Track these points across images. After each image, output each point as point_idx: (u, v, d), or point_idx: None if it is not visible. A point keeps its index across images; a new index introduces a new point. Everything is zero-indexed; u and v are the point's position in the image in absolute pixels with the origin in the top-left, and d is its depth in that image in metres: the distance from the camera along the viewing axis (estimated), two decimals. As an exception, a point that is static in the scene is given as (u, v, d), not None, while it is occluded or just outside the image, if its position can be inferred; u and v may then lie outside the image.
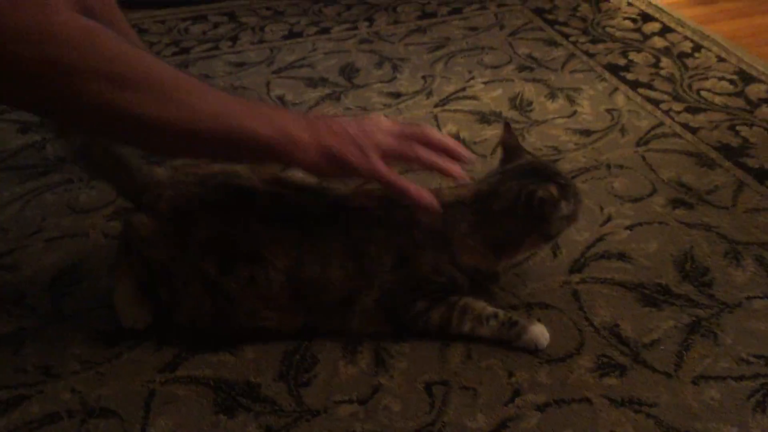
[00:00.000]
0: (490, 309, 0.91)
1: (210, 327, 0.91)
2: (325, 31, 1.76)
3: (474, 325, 0.90)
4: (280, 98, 1.47)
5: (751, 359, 0.88)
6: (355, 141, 0.81)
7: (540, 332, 0.90)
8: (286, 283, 0.88)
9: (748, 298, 0.97)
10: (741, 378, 0.86)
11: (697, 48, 1.63)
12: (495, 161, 1.25)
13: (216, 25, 1.80)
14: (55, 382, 0.87)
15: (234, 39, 1.73)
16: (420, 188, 0.85)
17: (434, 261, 0.90)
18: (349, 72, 1.57)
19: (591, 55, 1.61)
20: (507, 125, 0.99)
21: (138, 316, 0.92)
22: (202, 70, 1.58)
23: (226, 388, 0.86)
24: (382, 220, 0.91)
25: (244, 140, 0.77)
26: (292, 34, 1.75)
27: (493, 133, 1.34)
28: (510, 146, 0.98)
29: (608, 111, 1.40)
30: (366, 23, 1.80)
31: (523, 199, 0.88)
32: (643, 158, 1.26)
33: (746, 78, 1.50)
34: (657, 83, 1.49)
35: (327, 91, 1.50)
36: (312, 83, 1.52)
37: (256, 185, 0.93)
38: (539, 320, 0.93)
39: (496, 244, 0.92)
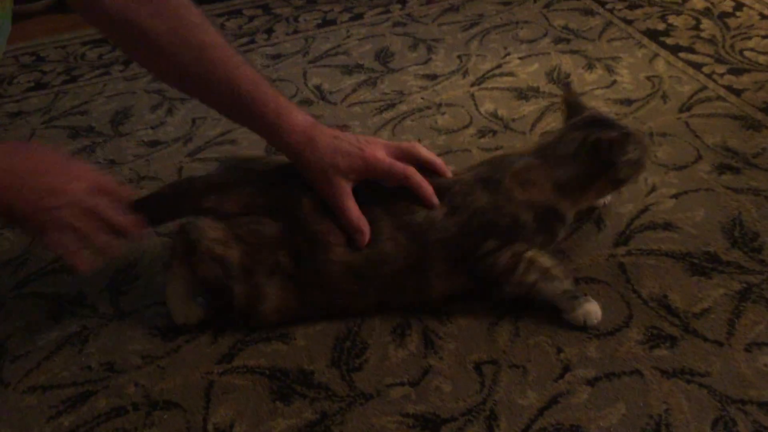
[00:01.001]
0: (559, 270, 0.91)
1: (293, 317, 0.94)
2: (359, 16, 1.77)
3: (539, 278, 0.90)
4: (318, 87, 1.49)
5: (806, 324, 0.87)
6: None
7: (593, 310, 0.90)
8: (344, 266, 0.90)
9: (801, 261, 0.95)
10: (796, 343, 0.85)
11: (739, 6, 1.58)
12: (534, 138, 1.25)
13: (251, 19, 1.82)
14: (119, 377, 0.91)
15: (269, 31, 1.75)
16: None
17: (490, 200, 0.91)
18: (384, 56, 1.57)
19: (629, 22, 1.58)
20: (567, 84, 1.02)
21: (190, 312, 0.95)
22: (239, 65, 1.61)
23: (281, 376, 0.89)
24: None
25: None
26: (325, 22, 1.76)
27: (530, 109, 1.34)
28: (572, 103, 1.01)
29: (648, 78, 1.38)
30: (399, 6, 1.80)
31: (589, 144, 0.91)
32: (687, 124, 1.24)
33: (792, 34, 1.46)
34: (698, 46, 1.46)
35: (363, 77, 1.51)
36: (348, 70, 1.53)
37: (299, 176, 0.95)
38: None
39: (559, 184, 0.93)
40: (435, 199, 0.92)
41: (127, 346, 0.95)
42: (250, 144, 1.33)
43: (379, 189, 0.94)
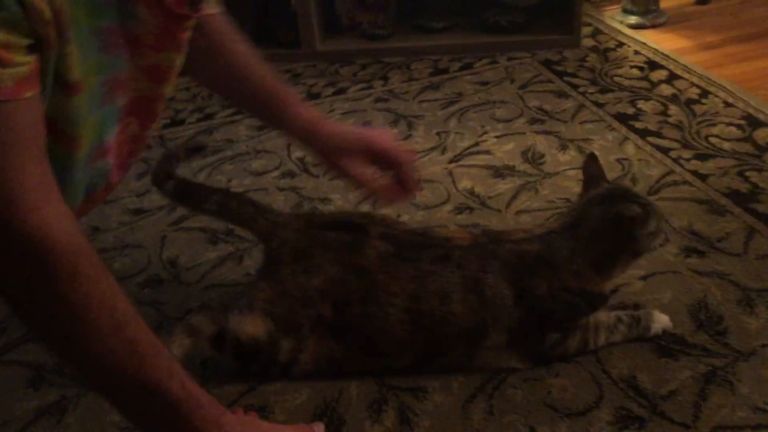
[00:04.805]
0: (613, 315, 1.01)
1: (329, 369, 0.98)
2: (342, 91, 1.83)
3: (608, 335, 1.00)
4: (301, 160, 1.53)
5: (768, 408, 0.91)
6: None
7: (661, 319, 1.02)
8: (405, 316, 0.94)
9: (763, 345, 0.99)
10: (758, 427, 0.88)
11: (704, 94, 1.67)
12: (509, 216, 1.30)
13: (237, 90, 1.88)
14: (96, 450, 0.91)
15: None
16: None
17: (549, 288, 0.96)
18: (366, 131, 1.63)
19: (600, 105, 1.66)
20: (591, 155, 1.08)
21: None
22: (225, 136, 1.66)
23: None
24: (492, 252, 0.98)
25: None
26: (310, 96, 1.82)
27: (506, 187, 1.39)
28: (591, 175, 1.06)
29: (619, 161, 1.45)
30: (381, 82, 1.86)
31: (612, 220, 0.96)
32: (662, 216, 1.29)
33: (754, 122, 1.53)
34: (666, 131, 1.54)
35: (345, 151, 1.55)
36: (331, 144, 1.58)
37: (366, 226, 1.01)
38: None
39: (595, 265, 0.98)
40: (415, 194, 1.08)
41: (105, 417, 0.96)
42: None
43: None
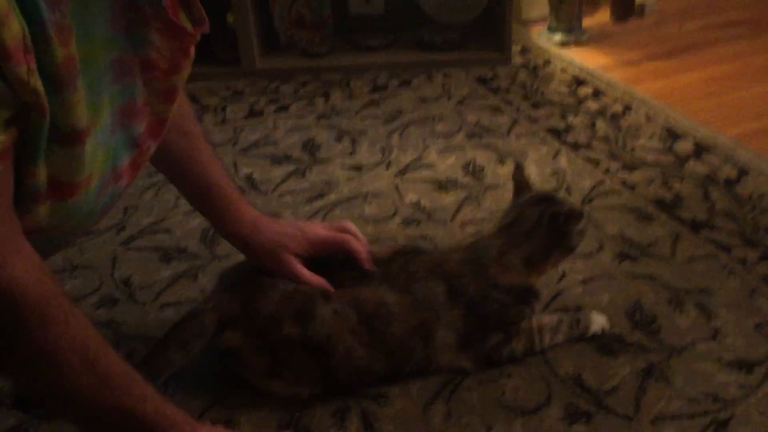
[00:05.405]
0: (555, 317, 1.09)
1: (319, 387, 1.01)
2: (284, 108, 1.86)
3: (552, 336, 1.07)
4: (248, 177, 1.55)
5: (700, 398, 0.99)
6: None
7: (602, 318, 1.10)
8: (360, 317, 0.99)
9: (693, 341, 1.08)
10: (693, 416, 0.96)
11: (628, 108, 1.78)
12: (456, 227, 1.36)
13: (178, 108, 1.88)
14: (62, 471, 0.91)
15: (199, 120, 1.81)
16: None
17: (477, 285, 1.02)
18: (311, 147, 1.67)
19: (533, 120, 1.75)
20: (517, 165, 1.17)
21: None
22: (170, 153, 1.66)
23: (228, 463, 0.92)
24: (413, 260, 1.05)
25: None
26: (253, 113, 1.85)
27: (450, 200, 1.45)
28: (520, 183, 1.14)
29: (553, 173, 1.53)
30: (322, 99, 1.91)
31: (547, 219, 1.04)
32: (589, 216, 1.38)
33: (673, 135, 1.65)
34: (595, 144, 1.63)
35: (291, 167, 1.59)
36: (277, 160, 1.61)
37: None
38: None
39: (527, 260, 1.05)
40: (371, 265, 1.04)
41: (68, 438, 0.96)
42: (182, 233, 1.37)
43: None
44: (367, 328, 0.99)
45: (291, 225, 1.07)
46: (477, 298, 1.02)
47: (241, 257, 1.09)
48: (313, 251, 1.05)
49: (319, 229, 1.07)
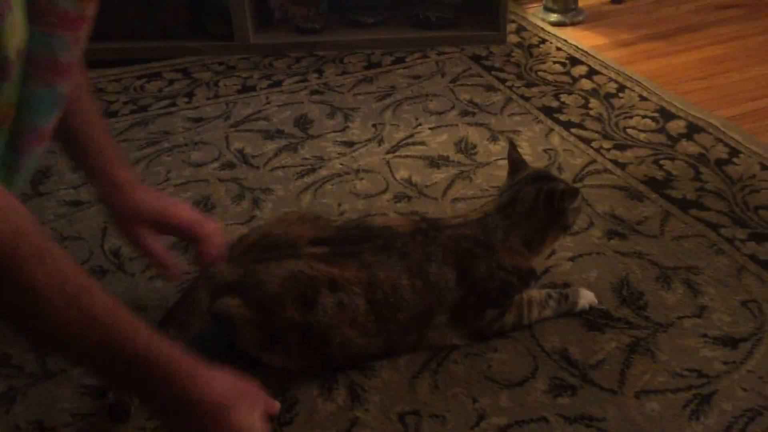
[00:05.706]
0: (544, 292, 1.10)
1: (317, 367, 1.01)
2: (277, 84, 1.86)
3: (540, 311, 1.08)
4: (240, 151, 1.55)
5: (685, 373, 1.00)
6: None
7: (590, 294, 1.11)
8: (369, 306, 0.98)
9: (679, 317, 1.09)
10: (677, 390, 0.97)
11: (621, 88, 1.78)
12: (446, 203, 1.36)
13: (171, 82, 1.87)
14: (50, 437, 0.92)
15: (190, 95, 1.80)
16: None
17: (487, 268, 1.03)
18: (303, 123, 1.66)
19: (526, 99, 1.75)
20: (512, 143, 1.16)
21: None
22: (161, 128, 1.65)
23: None
24: (433, 239, 1.03)
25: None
26: (245, 88, 1.84)
27: (442, 176, 1.45)
28: (515, 160, 1.14)
29: (546, 151, 1.53)
30: (315, 75, 1.90)
31: (543, 197, 1.05)
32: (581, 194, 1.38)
33: (666, 115, 1.65)
34: (587, 123, 1.63)
35: (284, 142, 1.58)
36: (269, 135, 1.61)
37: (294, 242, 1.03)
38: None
39: (527, 242, 1.06)
40: (205, 270, 1.04)
41: (56, 404, 0.96)
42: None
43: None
44: (374, 316, 0.98)
45: (160, 199, 1.06)
46: (484, 276, 1.03)
47: (245, 229, 1.08)
48: (163, 230, 1.05)
49: (183, 213, 1.06)
